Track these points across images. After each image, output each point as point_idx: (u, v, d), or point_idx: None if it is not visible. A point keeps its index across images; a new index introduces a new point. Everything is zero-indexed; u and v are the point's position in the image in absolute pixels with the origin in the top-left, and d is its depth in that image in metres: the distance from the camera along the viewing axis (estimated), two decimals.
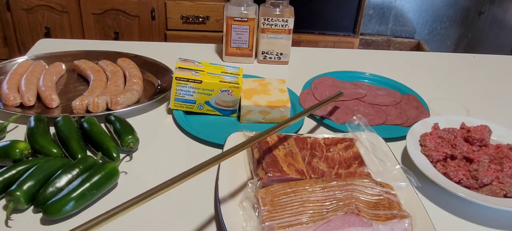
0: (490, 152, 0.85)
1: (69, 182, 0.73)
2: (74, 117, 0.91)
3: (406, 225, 0.68)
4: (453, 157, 0.85)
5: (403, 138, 0.92)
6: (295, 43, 1.30)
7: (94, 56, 1.20)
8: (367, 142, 0.88)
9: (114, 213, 0.53)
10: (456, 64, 1.41)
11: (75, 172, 0.75)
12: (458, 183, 0.80)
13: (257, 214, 0.69)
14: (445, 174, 0.82)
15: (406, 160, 0.88)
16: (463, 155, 0.85)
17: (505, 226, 0.76)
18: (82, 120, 0.89)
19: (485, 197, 0.77)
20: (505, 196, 0.77)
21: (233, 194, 0.74)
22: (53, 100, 0.99)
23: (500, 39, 3.14)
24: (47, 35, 2.44)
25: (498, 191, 0.77)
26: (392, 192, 0.73)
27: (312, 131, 0.99)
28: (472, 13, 3.13)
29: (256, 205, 0.70)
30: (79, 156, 0.80)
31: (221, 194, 0.73)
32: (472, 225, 0.76)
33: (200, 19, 2.44)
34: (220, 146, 0.86)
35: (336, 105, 1.06)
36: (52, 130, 0.89)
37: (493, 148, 0.87)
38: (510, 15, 3.06)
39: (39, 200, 0.70)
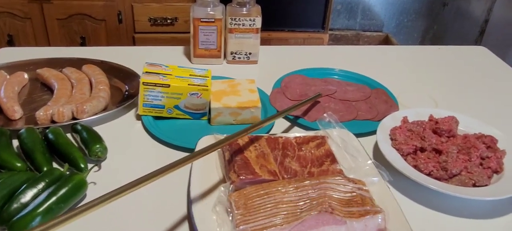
0: (458, 142, 0.87)
1: (35, 197, 0.70)
2: (38, 128, 0.88)
3: (379, 220, 0.68)
4: (422, 149, 0.86)
5: (374, 132, 0.93)
6: (265, 42, 1.30)
7: (58, 63, 1.17)
8: (339, 138, 0.88)
9: (79, 211, 0.53)
10: (423, 56, 1.43)
11: (41, 185, 0.72)
12: (429, 175, 0.81)
13: (230, 218, 0.68)
14: (415, 167, 0.82)
15: (378, 155, 0.89)
16: (432, 146, 0.86)
17: (476, 215, 0.77)
18: (47, 130, 0.86)
19: (455, 188, 0.78)
20: (474, 185, 0.79)
21: (206, 199, 0.73)
22: (16, 112, 0.95)
23: (464, 29, 3.22)
24: (10, 43, 2.36)
25: (467, 181, 0.79)
26: (364, 188, 0.73)
27: (284, 130, 0.99)
28: (437, 5, 3.20)
29: (229, 209, 0.69)
30: (45, 169, 0.77)
31: (194, 200, 0.71)
32: (444, 216, 0.77)
33: (169, 21, 2.41)
34: (191, 150, 0.85)
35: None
36: (15, 142, 0.86)
37: (461, 138, 0.89)
38: (474, 6, 3.14)
39: (4, 217, 0.67)
